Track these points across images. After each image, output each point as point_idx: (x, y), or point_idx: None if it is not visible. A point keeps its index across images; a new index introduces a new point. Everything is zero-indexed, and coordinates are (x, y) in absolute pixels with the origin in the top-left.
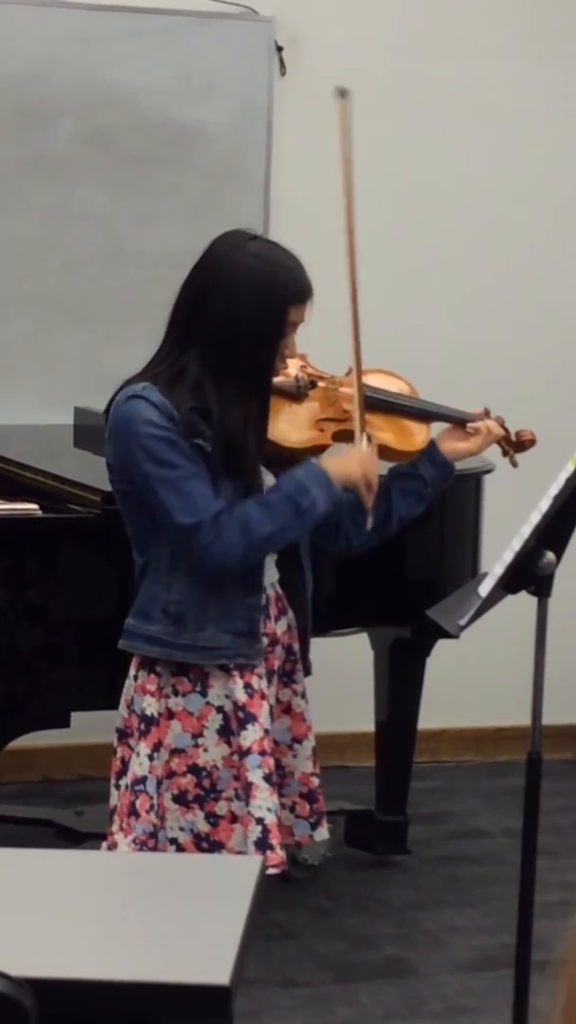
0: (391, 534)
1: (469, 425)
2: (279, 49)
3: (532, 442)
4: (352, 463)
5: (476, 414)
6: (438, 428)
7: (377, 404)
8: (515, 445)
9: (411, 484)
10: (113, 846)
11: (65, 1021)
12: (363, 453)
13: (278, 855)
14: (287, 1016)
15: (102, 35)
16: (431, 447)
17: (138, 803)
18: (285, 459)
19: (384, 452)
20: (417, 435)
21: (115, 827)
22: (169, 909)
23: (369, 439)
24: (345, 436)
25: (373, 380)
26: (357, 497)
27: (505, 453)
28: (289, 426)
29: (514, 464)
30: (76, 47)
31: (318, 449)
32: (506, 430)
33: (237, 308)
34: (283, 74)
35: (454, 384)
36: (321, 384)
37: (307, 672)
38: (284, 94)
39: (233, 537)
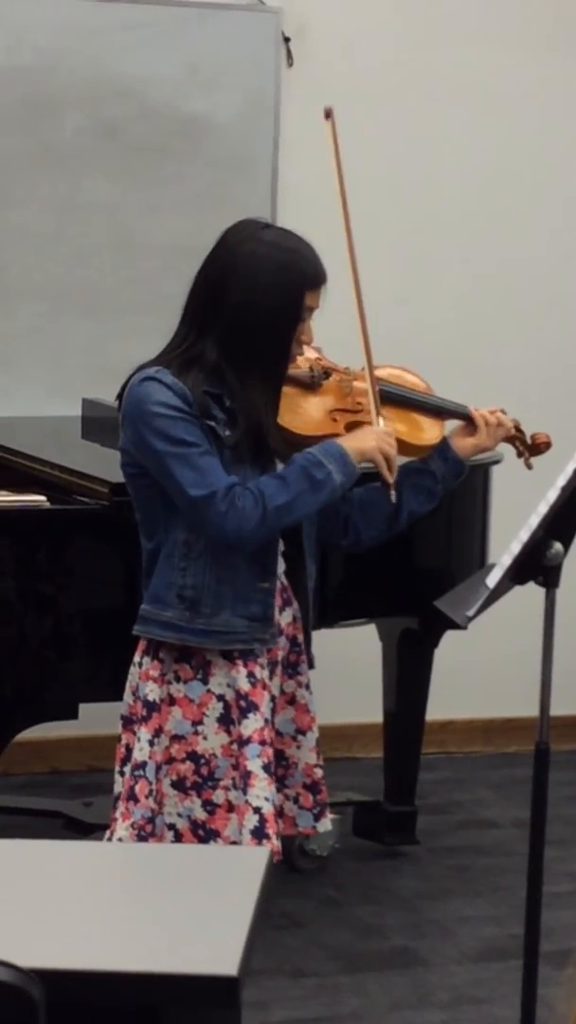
0: (399, 530)
1: (471, 411)
2: (286, 40)
3: (547, 445)
4: (367, 437)
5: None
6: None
7: (391, 398)
8: (530, 448)
9: (422, 480)
10: (112, 832)
11: (73, 1012)
12: (379, 429)
13: (274, 844)
14: (295, 1006)
15: (110, 26)
16: (443, 444)
17: (137, 788)
18: (298, 448)
19: (398, 445)
20: (430, 430)
21: (117, 813)
22: (177, 899)
23: (385, 421)
24: (357, 428)
25: (388, 376)
26: (377, 472)
27: (520, 454)
28: (303, 415)
29: (528, 466)
30: (84, 38)
31: (330, 439)
32: (521, 432)
33: (255, 295)
34: (290, 65)
35: (461, 377)
36: (335, 376)
37: (310, 665)
38: (291, 85)
39: (248, 504)
